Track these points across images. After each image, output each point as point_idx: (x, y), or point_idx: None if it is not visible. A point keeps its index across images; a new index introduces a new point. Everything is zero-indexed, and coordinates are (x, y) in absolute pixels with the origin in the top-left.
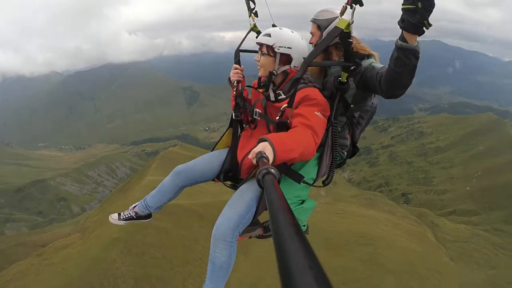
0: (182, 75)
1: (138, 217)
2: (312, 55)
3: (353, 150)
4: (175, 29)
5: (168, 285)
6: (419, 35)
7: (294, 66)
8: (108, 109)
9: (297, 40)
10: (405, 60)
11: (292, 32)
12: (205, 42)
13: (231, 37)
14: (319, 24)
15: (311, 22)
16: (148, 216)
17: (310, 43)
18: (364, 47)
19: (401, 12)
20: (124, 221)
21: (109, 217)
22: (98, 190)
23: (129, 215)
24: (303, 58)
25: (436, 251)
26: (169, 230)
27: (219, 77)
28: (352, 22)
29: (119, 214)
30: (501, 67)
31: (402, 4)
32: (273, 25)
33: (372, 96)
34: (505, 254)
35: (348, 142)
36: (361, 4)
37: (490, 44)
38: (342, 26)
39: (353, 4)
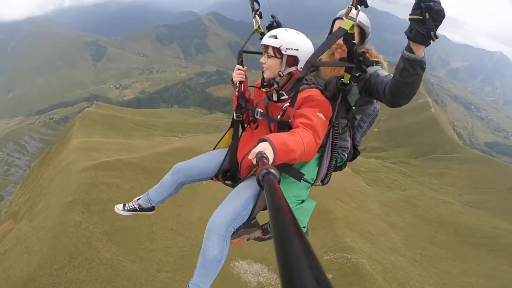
0: (86, 28)
1: (141, 209)
2: (315, 55)
3: (354, 153)
4: None
5: (138, 232)
6: (426, 46)
7: (301, 68)
8: (6, 77)
9: (303, 41)
10: (411, 71)
11: (298, 33)
12: None
13: None
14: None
15: (339, 19)
16: (151, 209)
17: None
18: (374, 53)
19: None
20: (128, 212)
21: (115, 207)
22: (11, 172)
23: (133, 207)
24: None
25: (354, 178)
26: (119, 184)
27: (126, 28)
28: (357, 23)
29: (124, 205)
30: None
31: (410, 14)
32: (272, 16)
33: (375, 101)
34: (412, 180)
35: (349, 144)
36: (366, 6)
37: (401, 6)
38: (347, 27)
39: (358, 6)
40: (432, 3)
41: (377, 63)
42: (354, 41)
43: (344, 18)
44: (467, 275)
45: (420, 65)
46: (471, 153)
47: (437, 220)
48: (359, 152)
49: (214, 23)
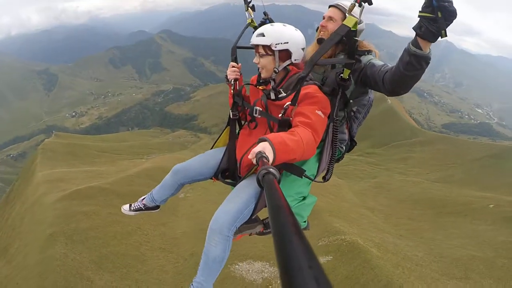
0: (36, 56)
1: (147, 208)
2: (318, 54)
3: (351, 144)
4: (23, 2)
5: (127, 255)
6: (433, 43)
7: (295, 59)
8: None
9: (291, 33)
10: (417, 65)
11: (285, 25)
12: (57, 15)
13: (87, 6)
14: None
15: (332, 7)
16: (156, 207)
17: (322, 26)
18: (365, 43)
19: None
20: (134, 212)
21: (121, 208)
22: None
23: (139, 207)
24: (302, 49)
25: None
26: (96, 211)
27: (77, 53)
28: (360, 20)
29: (130, 205)
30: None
31: (420, 12)
32: (264, 13)
33: (370, 91)
34: (379, 168)
35: (347, 137)
36: (370, 3)
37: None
38: (350, 25)
39: (362, 3)
40: (446, 3)
41: (369, 52)
42: (357, 38)
43: (347, 14)
44: (450, 239)
45: (426, 61)
46: (431, 135)
47: (410, 199)
48: (356, 143)
49: (167, 41)
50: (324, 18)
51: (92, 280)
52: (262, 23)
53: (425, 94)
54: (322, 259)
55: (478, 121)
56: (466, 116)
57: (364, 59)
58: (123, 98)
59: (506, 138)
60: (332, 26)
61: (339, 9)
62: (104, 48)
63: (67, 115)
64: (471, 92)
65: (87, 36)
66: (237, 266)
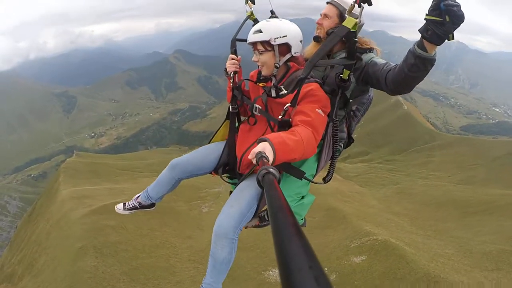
0: (54, 79)
1: (142, 206)
2: (317, 55)
3: (348, 141)
4: (40, 27)
5: (157, 267)
6: (439, 45)
7: (295, 52)
8: None
9: (289, 26)
10: (421, 67)
11: (280, 19)
12: (73, 39)
13: (102, 30)
14: (342, 12)
15: (329, 3)
16: (152, 205)
17: (318, 23)
18: (366, 41)
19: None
20: (129, 211)
21: (115, 207)
22: None
23: (133, 205)
24: (300, 41)
25: (347, 183)
26: (123, 226)
27: (94, 76)
28: (360, 21)
29: (124, 204)
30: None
31: (427, 15)
32: (272, 12)
33: (370, 89)
34: (400, 174)
35: (345, 135)
36: (370, 4)
37: None
38: (350, 26)
39: (361, 3)
40: (455, 7)
41: (371, 50)
42: (356, 39)
43: (346, 15)
44: (478, 236)
45: (431, 63)
46: (450, 138)
47: (434, 202)
48: (353, 140)
49: (181, 60)
50: (320, 16)
51: None
52: None
53: (441, 97)
54: (356, 259)
55: (497, 120)
56: (484, 116)
57: (366, 57)
58: (140, 118)
59: None
60: (327, 23)
61: (334, 5)
62: (120, 70)
63: (86, 135)
64: (487, 91)
65: (103, 59)
66: (270, 272)
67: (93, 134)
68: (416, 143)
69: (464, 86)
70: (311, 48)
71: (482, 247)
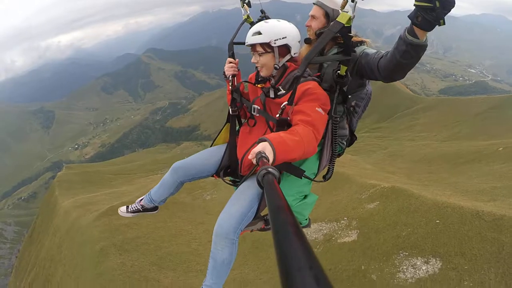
0: (28, 97)
1: (145, 209)
2: (312, 52)
3: (351, 139)
4: (4, 47)
5: (182, 254)
6: (430, 31)
7: (295, 53)
8: None
9: (288, 27)
10: (413, 54)
11: (278, 20)
12: (41, 53)
13: (69, 39)
14: (327, 12)
15: (315, 5)
16: (155, 208)
17: (307, 26)
18: (357, 35)
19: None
20: (132, 214)
21: (118, 210)
22: None
23: (136, 208)
24: (298, 41)
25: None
26: (137, 222)
27: (68, 87)
28: (354, 16)
29: (127, 207)
30: None
31: (416, 1)
32: (262, 11)
33: (367, 83)
34: (388, 139)
35: (347, 132)
36: None
37: None
38: (344, 21)
39: None
40: None
41: (362, 43)
42: (351, 34)
43: (340, 10)
44: (471, 179)
45: (422, 49)
46: (430, 100)
47: (425, 159)
48: (356, 137)
49: (154, 58)
50: (309, 17)
51: (158, 279)
52: (259, 21)
53: (417, 63)
54: (370, 206)
55: (473, 81)
56: (461, 78)
57: (358, 49)
58: (122, 122)
59: (503, 93)
60: (315, 25)
61: (319, 6)
62: (94, 77)
63: (70, 148)
64: (461, 54)
65: (75, 69)
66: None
67: (76, 146)
68: (399, 109)
69: (438, 51)
70: (304, 51)
71: (476, 187)
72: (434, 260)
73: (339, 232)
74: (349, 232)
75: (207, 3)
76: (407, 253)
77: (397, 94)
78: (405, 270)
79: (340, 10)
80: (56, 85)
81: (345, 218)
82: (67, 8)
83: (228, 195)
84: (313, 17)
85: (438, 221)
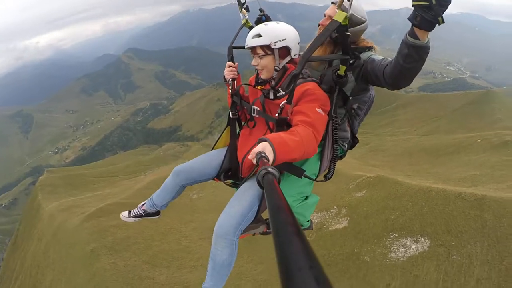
0: (6, 101)
1: (147, 214)
2: (310, 50)
3: (353, 141)
4: None
5: (173, 251)
6: (430, 31)
7: (295, 55)
8: None
9: (287, 29)
10: (416, 57)
11: (278, 23)
12: (18, 55)
13: (47, 40)
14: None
15: (333, 4)
16: (157, 213)
17: (321, 24)
18: (366, 40)
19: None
20: (134, 218)
21: (120, 215)
22: None
23: (138, 213)
24: (298, 43)
25: None
26: (124, 223)
27: (47, 90)
28: (350, 14)
29: (129, 212)
30: (317, 12)
31: (413, 1)
32: (260, 10)
33: (370, 87)
34: (370, 135)
35: (349, 134)
36: None
37: None
38: (340, 19)
39: None
40: None
41: (369, 48)
42: (348, 33)
43: (336, 9)
44: (452, 169)
45: (425, 51)
46: (410, 97)
47: (406, 152)
48: (358, 140)
49: (134, 59)
50: (324, 16)
51: (153, 277)
52: (259, 20)
53: None
54: (358, 194)
55: (452, 78)
56: (440, 76)
57: (364, 55)
58: (102, 124)
59: (481, 89)
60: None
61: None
62: (73, 79)
63: (50, 152)
64: (441, 52)
65: (54, 71)
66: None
67: (56, 150)
68: (380, 106)
69: None
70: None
71: (457, 175)
72: (422, 239)
73: (330, 220)
74: (340, 219)
75: (188, 2)
76: (396, 235)
77: (378, 91)
78: (396, 250)
79: (336, 9)
80: (34, 87)
81: (335, 207)
82: (44, 8)
83: (213, 195)
84: (329, 17)
85: (424, 203)
